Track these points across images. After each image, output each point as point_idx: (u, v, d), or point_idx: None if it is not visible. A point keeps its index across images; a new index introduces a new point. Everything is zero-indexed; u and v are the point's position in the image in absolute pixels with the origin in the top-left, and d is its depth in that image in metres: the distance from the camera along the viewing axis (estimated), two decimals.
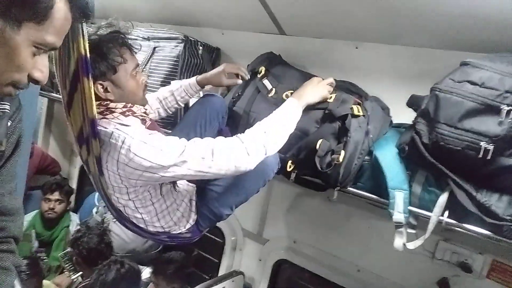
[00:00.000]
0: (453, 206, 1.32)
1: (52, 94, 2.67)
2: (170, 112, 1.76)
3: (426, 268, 1.79)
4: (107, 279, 2.07)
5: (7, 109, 0.90)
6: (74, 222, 3.12)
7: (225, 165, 1.25)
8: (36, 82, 0.82)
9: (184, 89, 1.70)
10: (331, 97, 1.54)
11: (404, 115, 1.56)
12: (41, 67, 0.80)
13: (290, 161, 1.54)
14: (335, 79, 1.60)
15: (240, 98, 1.76)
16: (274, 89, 1.72)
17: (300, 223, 2.21)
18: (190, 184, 1.55)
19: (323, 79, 1.57)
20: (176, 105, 1.74)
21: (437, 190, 1.36)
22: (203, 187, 1.54)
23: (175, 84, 1.74)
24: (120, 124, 1.24)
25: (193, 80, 1.70)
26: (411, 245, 1.43)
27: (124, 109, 1.31)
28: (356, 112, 1.48)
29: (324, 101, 1.53)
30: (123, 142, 1.19)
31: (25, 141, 1.06)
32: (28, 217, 3.11)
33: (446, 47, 1.60)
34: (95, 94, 1.20)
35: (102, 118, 1.26)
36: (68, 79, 1.19)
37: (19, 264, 1.01)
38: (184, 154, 1.21)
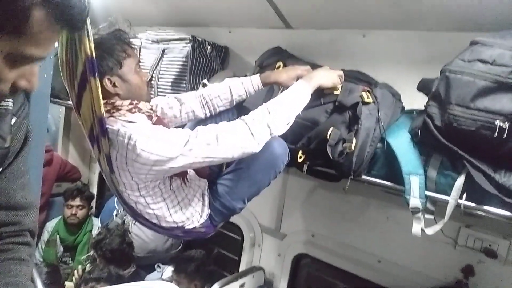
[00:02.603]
0: (471, 189, 1.29)
1: (69, 102, 2.70)
2: (214, 114, 1.62)
3: (449, 256, 1.75)
4: None
5: (10, 106, 0.91)
6: (96, 226, 3.19)
7: (231, 149, 1.27)
8: (24, 90, 0.78)
9: (244, 86, 1.57)
10: (338, 89, 1.52)
11: (416, 101, 1.53)
12: (28, 76, 0.75)
13: (300, 151, 1.53)
14: (343, 70, 1.58)
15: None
16: None
17: (317, 216, 2.20)
18: (202, 179, 1.56)
19: None
20: (228, 105, 1.60)
21: (453, 173, 1.33)
22: (214, 181, 1.54)
23: (233, 81, 1.59)
24: (126, 121, 1.27)
25: (255, 77, 1.57)
26: (430, 231, 1.40)
27: (130, 106, 1.34)
28: (366, 99, 1.46)
29: (332, 93, 1.52)
30: (129, 139, 1.21)
31: (36, 137, 1.07)
32: (52, 223, 3.21)
33: (455, 29, 1.57)
34: (104, 90, 1.24)
35: (109, 116, 1.29)
36: (76, 80, 1.22)
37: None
38: (190, 143, 1.24)
